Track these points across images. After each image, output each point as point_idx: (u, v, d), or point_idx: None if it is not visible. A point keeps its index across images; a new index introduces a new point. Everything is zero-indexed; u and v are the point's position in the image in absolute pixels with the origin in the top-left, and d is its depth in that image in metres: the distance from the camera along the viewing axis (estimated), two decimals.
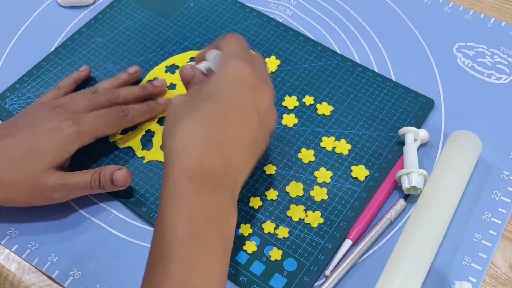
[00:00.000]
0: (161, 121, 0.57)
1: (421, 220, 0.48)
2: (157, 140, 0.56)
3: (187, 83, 0.49)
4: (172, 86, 0.60)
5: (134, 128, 0.56)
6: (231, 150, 0.41)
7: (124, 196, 0.52)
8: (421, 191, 0.51)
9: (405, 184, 0.51)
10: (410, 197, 0.52)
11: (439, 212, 0.48)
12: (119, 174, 0.50)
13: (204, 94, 0.43)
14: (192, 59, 0.62)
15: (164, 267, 0.38)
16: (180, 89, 0.59)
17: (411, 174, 0.51)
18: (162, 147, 0.50)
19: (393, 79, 0.60)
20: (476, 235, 0.50)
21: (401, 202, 0.51)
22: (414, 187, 0.50)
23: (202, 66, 0.50)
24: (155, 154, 0.55)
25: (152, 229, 0.50)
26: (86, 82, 0.60)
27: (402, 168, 0.52)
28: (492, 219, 0.51)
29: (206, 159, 0.40)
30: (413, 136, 0.54)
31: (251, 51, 0.48)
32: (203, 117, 0.41)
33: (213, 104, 0.42)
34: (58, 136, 0.49)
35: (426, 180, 0.51)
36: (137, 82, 0.60)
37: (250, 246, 0.49)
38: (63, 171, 0.49)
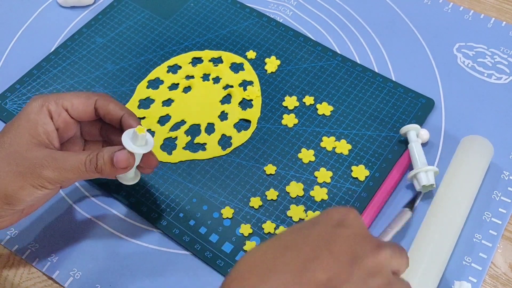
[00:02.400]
0: (161, 121, 0.57)
1: (436, 226, 0.48)
2: (156, 140, 0.56)
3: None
4: (174, 86, 0.60)
5: None
6: None
7: (124, 196, 0.52)
8: (432, 188, 0.51)
9: (423, 182, 0.50)
10: (416, 208, 0.51)
11: (452, 218, 0.48)
12: (121, 155, 0.43)
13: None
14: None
15: None
16: (181, 88, 0.60)
17: (429, 172, 0.51)
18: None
19: (393, 79, 0.60)
20: (476, 235, 0.50)
21: (408, 213, 0.49)
22: (430, 184, 0.51)
23: (137, 151, 0.44)
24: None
25: (152, 229, 0.51)
26: (85, 84, 0.60)
27: (403, 168, 0.52)
28: (493, 219, 0.51)
29: None
30: (415, 133, 0.54)
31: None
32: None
33: None
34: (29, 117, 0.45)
35: (436, 175, 0.51)
36: (134, 87, 0.60)
37: (251, 246, 0.49)
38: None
